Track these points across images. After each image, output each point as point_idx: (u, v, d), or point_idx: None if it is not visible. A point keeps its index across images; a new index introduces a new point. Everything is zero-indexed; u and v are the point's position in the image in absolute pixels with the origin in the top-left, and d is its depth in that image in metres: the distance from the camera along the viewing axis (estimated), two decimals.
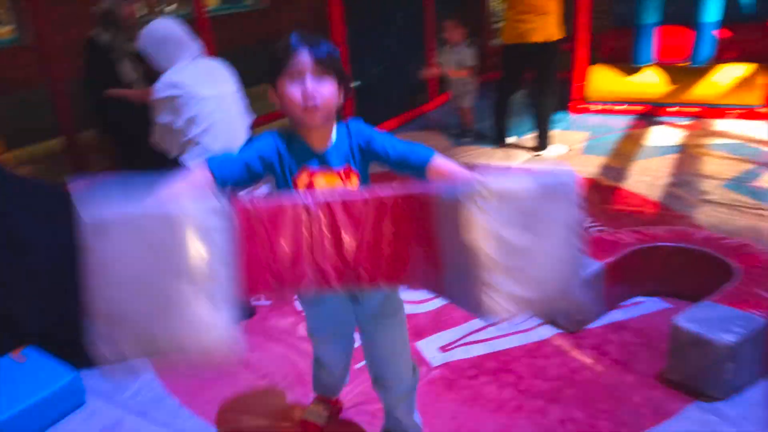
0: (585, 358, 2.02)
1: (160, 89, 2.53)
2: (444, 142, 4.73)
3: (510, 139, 4.45)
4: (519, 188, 0.98)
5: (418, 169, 1.30)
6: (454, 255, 1.04)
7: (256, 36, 6.77)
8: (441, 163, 1.28)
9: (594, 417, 1.76)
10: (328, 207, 1.15)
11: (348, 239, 1.16)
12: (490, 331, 2.17)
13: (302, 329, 2.31)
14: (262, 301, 2.53)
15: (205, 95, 2.57)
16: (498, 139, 4.43)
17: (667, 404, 1.77)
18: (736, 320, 1.78)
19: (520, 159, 4.17)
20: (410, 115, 5.59)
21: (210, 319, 0.92)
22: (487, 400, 1.86)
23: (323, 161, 1.32)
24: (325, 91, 1.25)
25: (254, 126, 2.92)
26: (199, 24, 4.03)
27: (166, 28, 2.62)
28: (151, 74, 2.61)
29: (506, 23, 4.06)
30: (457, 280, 1.06)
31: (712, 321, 1.79)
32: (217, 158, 1.26)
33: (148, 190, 0.97)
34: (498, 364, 2.01)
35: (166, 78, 2.53)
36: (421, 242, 1.14)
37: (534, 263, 1.00)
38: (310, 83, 1.23)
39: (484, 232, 0.96)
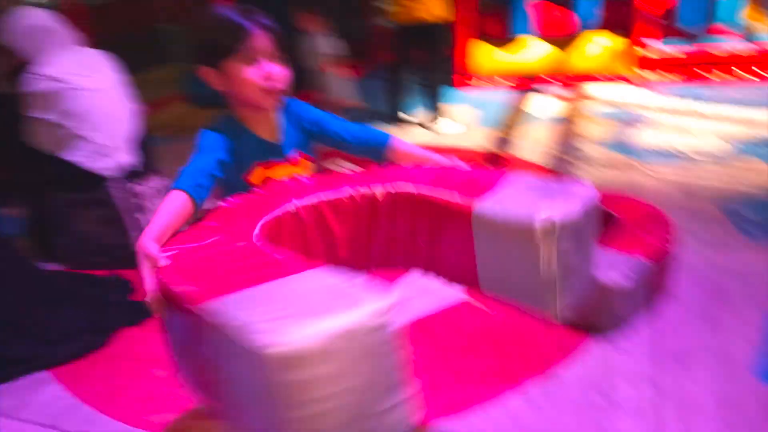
0: (496, 313, 2.14)
1: (32, 82, 2.36)
2: None
3: (404, 117, 4.56)
4: (576, 215, 1.01)
5: (376, 152, 1.29)
6: (498, 268, 1.06)
7: (134, 23, 6.42)
8: (401, 144, 1.28)
9: (508, 362, 1.88)
10: (316, 209, 1.09)
11: (339, 236, 1.12)
12: (408, 299, 2.23)
13: None
14: None
15: (83, 86, 2.43)
16: (392, 118, 4.52)
17: (569, 343, 1.93)
18: (624, 262, 1.96)
19: (415, 136, 4.29)
20: (302, 98, 5.55)
21: (400, 413, 0.87)
22: (411, 362, 1.93)
23: (276, 151, 1.26)
24: (284, 71, 1.20)
25: (144, 113, 2.81)
26: (73, 12, 3.77)
27: (32, 18, 2.45)
28: (19, 67, 2.43)
29: (395, 3, 4.13)
30: (501, 284, 1.09)
31: (603, 264, 1.95)
32: (188, 180, 1.08)
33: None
34: (418, 329, 2.09)
35: (37, 70, 2.36)
36: (432, 238, 1.13)
37: (578, 275, 1.07)
38: (272, 65, 1.17)
39: (548, 259, 0.99)
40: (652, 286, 2.04)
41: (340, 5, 6.64)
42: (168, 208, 1.03)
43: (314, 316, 0.77)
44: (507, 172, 1.14)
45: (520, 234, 1.00)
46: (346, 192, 1.12)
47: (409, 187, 1.12)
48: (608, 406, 1.68)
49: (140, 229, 1.02)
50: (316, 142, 1.33)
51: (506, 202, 1.05)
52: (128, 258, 2.64)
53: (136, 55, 3.77)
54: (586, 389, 1.74)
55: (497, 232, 1.04)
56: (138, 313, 2.25)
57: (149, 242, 0.96)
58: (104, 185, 2.53)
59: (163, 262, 0.92)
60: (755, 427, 1.55)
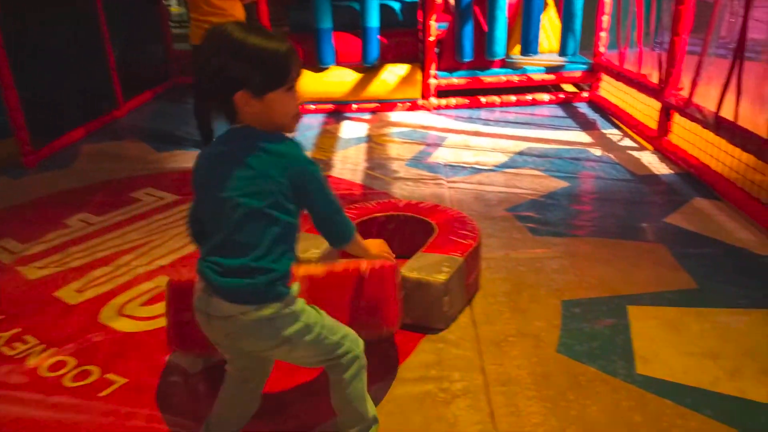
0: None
1: None
2: (144, 148, 4.44)
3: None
4: None
5: None
6: None
7: None
8: None
9: None
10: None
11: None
12: None
13: (16, 377, 1.95)
14: None
15: None
16: (205, 142, 4.35)
17: (406, 344, 2.04)
18: (443, 262, 2.14)
19: None
20: (98, 123, 5.06)
21: None
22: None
23: None
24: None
25: None
26: None
27: None
28: None
29: (193, 24, 4.00)
30: None
31: (426, 267, 2.11)
32: None
33: None
34: None
35: None
36: None
37: None
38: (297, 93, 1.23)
39: None
40: (468, 283, 2.26)
41: (140, 29, 6.25)
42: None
43: None
44: None
45: None
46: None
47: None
48: (446, 396, 1.80)
49: None
50: None
51: None
52: None
53: None
54: (425, 384, 1.85)
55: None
56: None
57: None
58: None
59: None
60: (564, 394, 1.79)
